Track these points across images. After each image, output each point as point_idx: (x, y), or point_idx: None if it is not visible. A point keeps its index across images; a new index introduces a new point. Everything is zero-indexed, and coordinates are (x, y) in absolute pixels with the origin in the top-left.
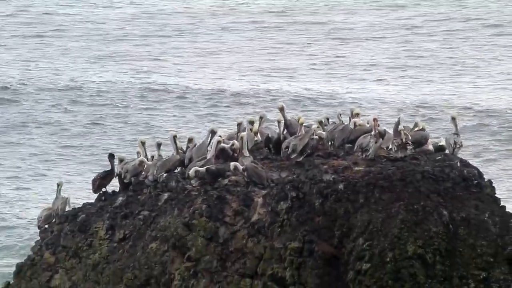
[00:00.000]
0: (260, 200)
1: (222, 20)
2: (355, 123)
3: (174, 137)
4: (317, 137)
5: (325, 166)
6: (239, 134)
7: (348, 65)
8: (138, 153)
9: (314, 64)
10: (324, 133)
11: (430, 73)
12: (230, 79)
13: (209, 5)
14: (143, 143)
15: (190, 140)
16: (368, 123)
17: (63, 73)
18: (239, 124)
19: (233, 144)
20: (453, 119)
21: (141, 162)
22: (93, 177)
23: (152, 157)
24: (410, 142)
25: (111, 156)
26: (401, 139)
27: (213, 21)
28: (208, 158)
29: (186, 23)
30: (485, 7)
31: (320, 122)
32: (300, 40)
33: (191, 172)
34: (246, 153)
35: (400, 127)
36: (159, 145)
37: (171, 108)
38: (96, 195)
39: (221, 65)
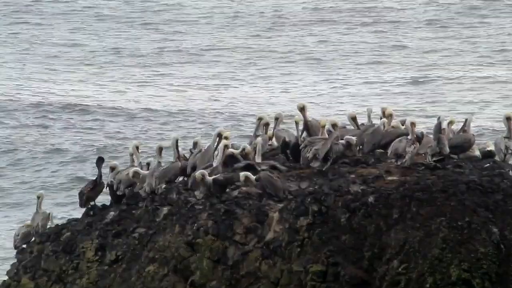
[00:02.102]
0: (276, 216)
1: None
2: (384, 123)
3: (177, 141)
4: (343, 141)
5: (353, 176)
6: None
7: None
8: (131, 155)
9: None
10: (353, 138)
11: None
12: None
13: None
14: (137, 148)
15: (195, 145)
16: (403, 125)
17: None
18: (259, 119)
19: (244, 149)
20: (509, 119)
21: (136, 173)
22: (80, 189)
23: (148, 164)
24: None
25: (100, 160)
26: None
27: None
28: (214, 165)
29: None
30: None
31: (354, 119)
32: None
33: (198, 174)
34: (260, 160)
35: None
36: (160, 149)
37: None
38: (83, 210)
39: None
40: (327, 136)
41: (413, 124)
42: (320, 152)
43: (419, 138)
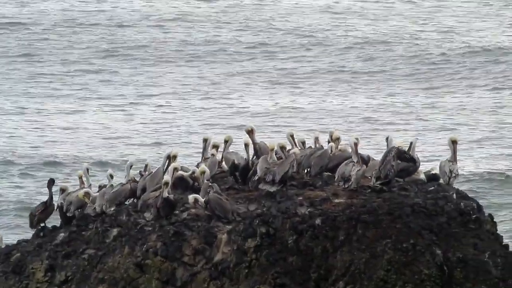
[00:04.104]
0: (224, 237)
1: None
2: (331, 147)
3: (131, 166)
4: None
5: (300, 198)
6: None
7: None
8: (80, 177)
9: None
10: (286, 144)
11: None
12: None
13: None
14: (88, 170)
15: (145, 167)
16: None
17: None
18: (205, 140)
19: (193, 172)
20: (454, 142)
21: (87, 194)
22: (30, 211)
23: (100, 186)
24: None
25: (51, 182)
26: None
27: None
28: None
29: None
30: None
31: (303, 143)
32: None
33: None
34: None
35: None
36: (111, 176)
37: None
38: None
39: None
40: (275, 159)
41: (355, 144)
42: (277, 173)
43: (366, 161)
